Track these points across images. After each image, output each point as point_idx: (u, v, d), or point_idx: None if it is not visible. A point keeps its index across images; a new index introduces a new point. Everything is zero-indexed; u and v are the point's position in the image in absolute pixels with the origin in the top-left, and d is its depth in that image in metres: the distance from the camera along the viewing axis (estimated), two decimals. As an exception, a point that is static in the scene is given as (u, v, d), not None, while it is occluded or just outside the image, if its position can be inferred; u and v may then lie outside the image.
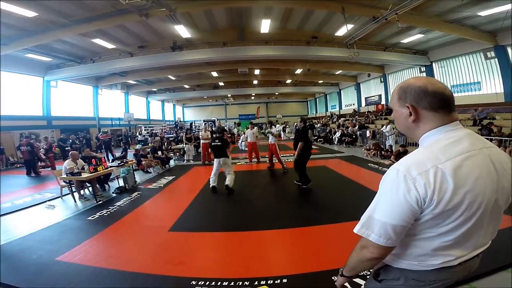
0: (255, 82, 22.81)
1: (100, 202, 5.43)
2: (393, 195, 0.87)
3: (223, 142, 5.83)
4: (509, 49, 10.49)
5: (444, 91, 0.92)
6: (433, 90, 0.91)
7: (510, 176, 0.94)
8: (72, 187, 5.76)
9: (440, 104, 0.91)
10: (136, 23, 9.88)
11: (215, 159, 5.86)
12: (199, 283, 2.55)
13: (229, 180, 5.69)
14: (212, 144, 5.92)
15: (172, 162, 10.33)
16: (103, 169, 5.93)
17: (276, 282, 2.53)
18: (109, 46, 11.92)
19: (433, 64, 14.27)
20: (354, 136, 14.02)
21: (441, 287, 1.01)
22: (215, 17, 10.42)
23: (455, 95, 8.43)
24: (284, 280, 2.54)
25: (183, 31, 10.40)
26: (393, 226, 0.88)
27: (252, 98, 32.04)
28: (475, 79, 12.25)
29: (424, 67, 14.71)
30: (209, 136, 10.14)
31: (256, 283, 2.52)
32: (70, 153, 6.29)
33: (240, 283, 2.53)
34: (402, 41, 12.50)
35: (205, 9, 9.35)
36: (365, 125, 15.94)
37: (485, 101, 11.36)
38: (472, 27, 10.08)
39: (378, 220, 0.90)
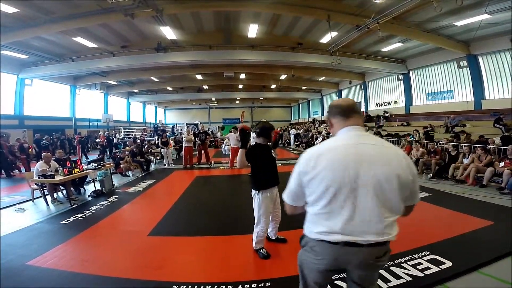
0: (240, 86, 22.77)
1: (74, 206, 5.17)
2: (295, 170, 1.28)
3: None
4: (480, 59, 11.13)
5: (342, 103, 1.33)
6: (335, 103, 1.34)
7: (386, 170, 1.15)
8: (45, 190, 5.43)
9: (337, 112, 1.30)
10: (120, 22, 9.59)
11: (269, 190, 2.96)
12: (181, 287, 2.47)
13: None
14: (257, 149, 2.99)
15: (152, 166, 10.06)
16: (78, 172, 5.66)
17: (260, 285, 2.49)
18: (91, 45, 11.48)
19: (410, 72, 14.91)
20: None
21: (330, 264, 1.24)
22: (202, 20, 10.35)
23: (430, 103, 8.98)
24: (268, 284, 2.50)
25: (168, 33, 10.22)
26: (292, 190, 1.30)
27: (237, 102, 31.99)
28: (448, 88, 12.89)
29: (401, 75, 15.34)
30: (192, 139, 9.95)
31: (239, 287, 2.47)
32: (43, 154, 5.96)
33: (223, 287, 2.47)
34: (383, 49, 12.96)
35: (192, 12, 9.26)
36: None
37: (457, 109, 11.98)
38: (447, 37, 10.62)
39: (288, 187, 1.32)
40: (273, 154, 3.07)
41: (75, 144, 13.81)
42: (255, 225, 3.05)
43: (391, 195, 1.14)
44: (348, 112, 1.27)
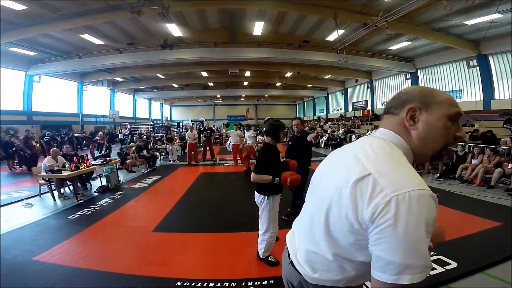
0: (245, 83, 22.79)
1: (81, 201, 5.23)
2: None
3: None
4: (490, 58, 10.92)
5: None
6: None
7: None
8: (52, 185, 5.51)
9: None
10: (126, 19, 9.66)
11: (277, 196, 2.76)
12: (185, 284, 2.48)
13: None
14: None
15: (158, 162, 10.13)
16: (85, 167, 5.73)
17: (263, 283, 2.49)
18: (98, 42, 11.60)
19: (419, 71, 14.72)
20: (339, 140, 14.26)
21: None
22: (207, 17, 10.36)
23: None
24: (271, 282, 2.51)
25: (174, 30, 10.23)
26: None
27: (242, 99, 31.95)
28: (457, 87, 12.70)
29: (409, 74, 15.14)
30: (196, 136, 9.98)
31: (243, 284, 2.48)
32: (51, 150, 6.05)
33: (227, 284, 2.48)
34: (390, 48, 12.80)
35: (198, 9, 9.27)
36: (351, 129, 16.25)
37: (465, 109, 11.77)
38: (457, 36, 10.44)
39: None
40: (281, 159, 2.83)
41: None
42: (262, 232, 2.79)
43: (316, 224, 0.86)
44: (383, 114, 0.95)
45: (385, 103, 0.93)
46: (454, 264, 2.70)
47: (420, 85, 14.36)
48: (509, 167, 5.87)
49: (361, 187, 0.72)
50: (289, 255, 1.01)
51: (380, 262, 0.68)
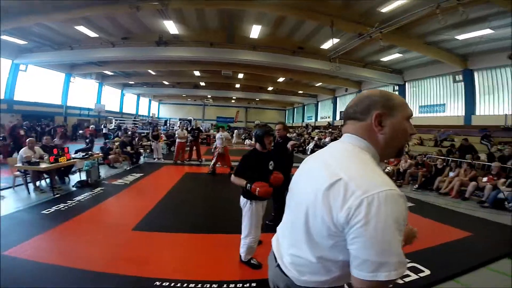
0: (237, 85, 22.76)
1: (57, 196, 5.03)
2: None
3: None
4: (475, 74, 11.27)
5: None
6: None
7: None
8: (27, 178, 5.29)
9: None
10: (124, 14, 9.51)
11: (260, 201, 2.69)
12: (163, 284, 2.43)
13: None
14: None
15: (141, 159, 9.93)
16: (65, 161, 5.52)
17: (245, 285, 2.49)
18: (92, 34, 11.32)
19: (406, 83, 15.09)
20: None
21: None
22: (206, 17, 10.31)
23: (422, 115, 9.06)
24: (253, 284, 2.50)
25: (171, 27, 10.11)
26: None
27: (232, 101, 31.93)
28: (441, 101, 13.12)
29: (397, 86, 15.47)
30: (186, 135, 9.87)
31: (224, 286, 2.46)
32: (27, 140, 5.80)
33: (208, 285, 2.45)
34: (382, 59, 13.04)
35: (198, 8, 9.23)
36: (337, 138, 16.49)
37: (447, 123, 12.15)
38: (447, 50, 10.72)
39: None
40: (269, 167, 2.70)
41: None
42: (244, 236, 2.73)
43: (297, 229, 0.90)
44: (344, 120, 0.99)
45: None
46: (427, 272, 2.78)
47: (407, 98, 14.81)
48: (483, 181, 6.18)
49: (333, 192, 0.77)
50: (276, 258, 1.03)
51: (357, 260, 0.72)
